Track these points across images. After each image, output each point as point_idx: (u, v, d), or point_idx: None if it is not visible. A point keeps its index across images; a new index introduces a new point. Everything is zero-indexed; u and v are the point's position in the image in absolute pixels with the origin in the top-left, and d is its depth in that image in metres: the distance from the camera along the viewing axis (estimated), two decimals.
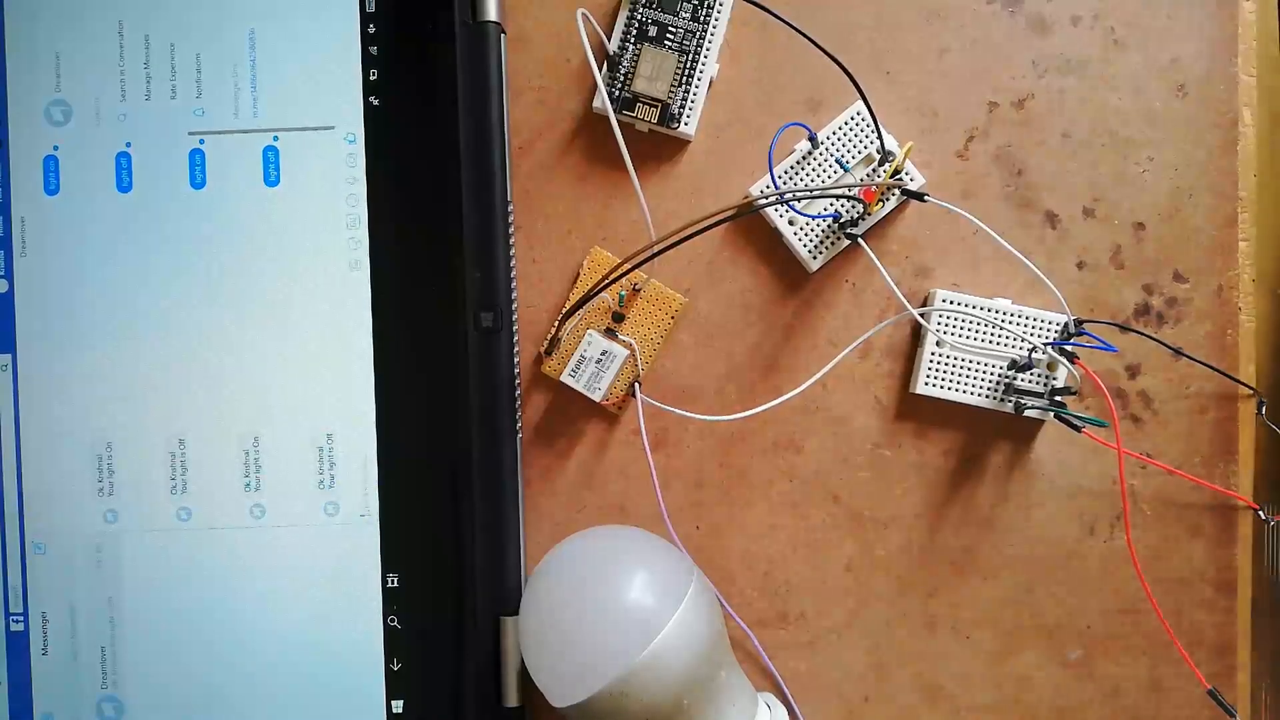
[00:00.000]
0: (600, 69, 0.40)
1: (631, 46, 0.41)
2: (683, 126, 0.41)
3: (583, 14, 0.38)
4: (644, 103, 0.41)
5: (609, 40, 0.41)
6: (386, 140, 0.42)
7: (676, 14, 0.41)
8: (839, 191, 0.40)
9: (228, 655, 0.41)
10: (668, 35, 0.41)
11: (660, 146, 0.42)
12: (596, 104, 0.42)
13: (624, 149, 0.37)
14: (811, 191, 0.41)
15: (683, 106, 0.41)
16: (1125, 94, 0.42)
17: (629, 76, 0.41)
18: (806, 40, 0.37)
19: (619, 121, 0.38)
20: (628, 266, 0.37)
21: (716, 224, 0.36)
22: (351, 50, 0.42)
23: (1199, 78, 0.42)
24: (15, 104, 0.42)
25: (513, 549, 0.41)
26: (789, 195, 0.40)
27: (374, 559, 0.41)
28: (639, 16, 0.41)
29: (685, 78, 0.41)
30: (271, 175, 0.42)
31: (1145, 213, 0.42)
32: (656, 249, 0.36)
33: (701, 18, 0.41)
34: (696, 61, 0.41)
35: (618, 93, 0.41)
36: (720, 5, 0.41)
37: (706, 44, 0.41)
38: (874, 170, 0.41)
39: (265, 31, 0.42)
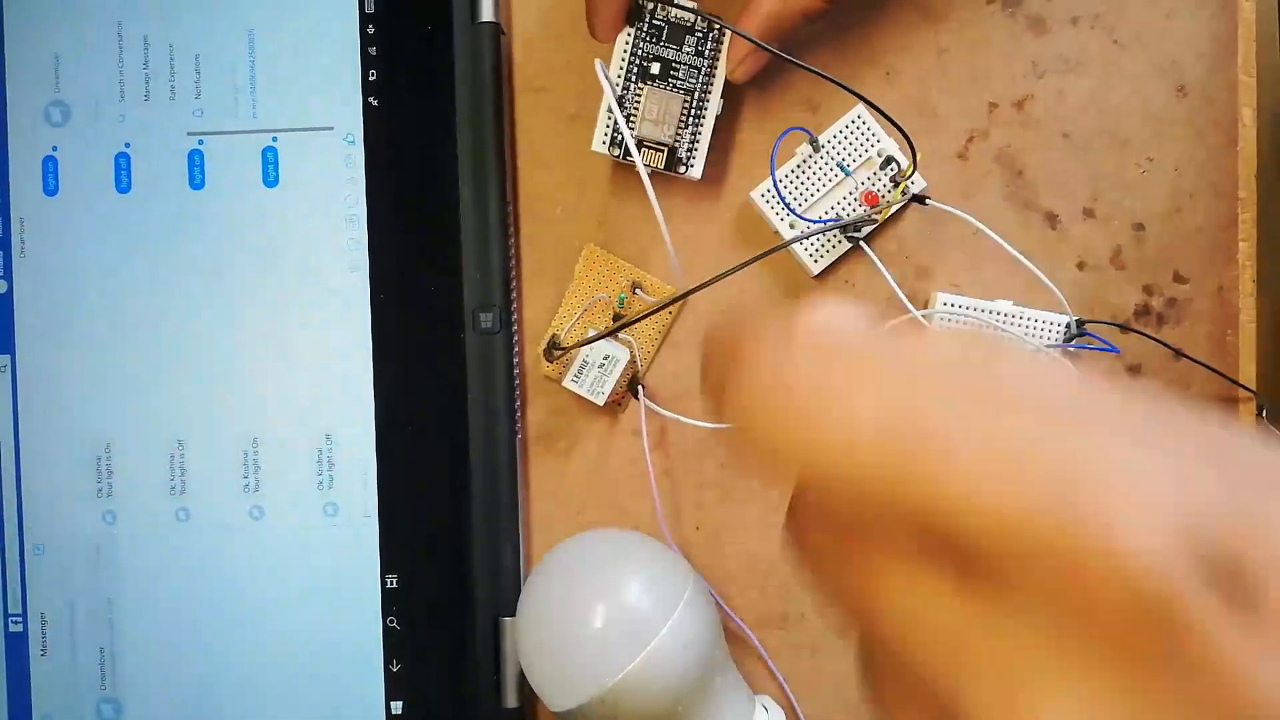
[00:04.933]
0: (610, 111, 0.37)
1: (633, 86, 0.38)
2: (690, 171, 0.40)
3: (600, 64, 0.36)
4: (649, 147, 0.39)
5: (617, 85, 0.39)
6: (386, 141, 0.41)
7: (681, 47, 0.37)
8: (858, 219, 0.39)
9: (227, 657, 0.41)
10: (672, 73, 0.38)
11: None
12: (597, 147, 0.39)
13: (651, 192, 0.36)
14: (836, 223, 0.40)
15: (690, 150, 0.39)
16: (1125, 94, 0.42)
17: (631, 119, 0.38)
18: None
19: (620, 163, 0.37)
20: (658, 305, 0.37)
21: (747, 264, 0.36)
22: (351, 51, 0.41)
23: (1199, 78, 0.42)
24: (14, 105, 0.42)
25: (512, 550, 0.41)
26: (813, 230, 0.39)
27: (373, 560, 0.41)
28: (640, 52, 0.38)
29: (693, 119, 0.38)
30: (270, 176, 0.42)
31: (1145, 213, 0.42)
32: (687, 291, 0.36)
33: (707, 52, 0.38)
34: (705, 101, 0.38)
35: (624, 136, 0.37)
36: (724, 38, 0.38)
37: (714, 79, 0.38)
38: (875, 174, 0.41)
39: (264, 32, 0.42)
